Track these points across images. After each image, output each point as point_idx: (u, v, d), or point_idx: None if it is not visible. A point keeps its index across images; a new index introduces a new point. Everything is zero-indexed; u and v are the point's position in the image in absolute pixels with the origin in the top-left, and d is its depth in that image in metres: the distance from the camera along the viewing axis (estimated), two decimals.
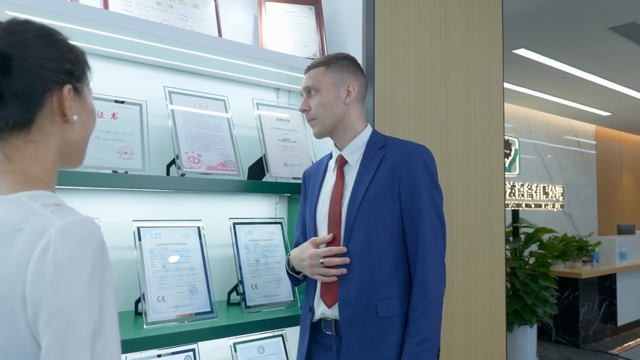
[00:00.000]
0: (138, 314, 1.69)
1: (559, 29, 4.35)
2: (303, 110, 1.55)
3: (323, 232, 1.50)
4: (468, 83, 2.28)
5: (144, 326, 1.54)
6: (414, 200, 1.41)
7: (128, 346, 1.46)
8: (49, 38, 0.83)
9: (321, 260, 1.45)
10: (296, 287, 1.91)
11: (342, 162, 1.53)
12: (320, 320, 1.49)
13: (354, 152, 1.52)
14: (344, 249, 1.44)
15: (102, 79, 1.70)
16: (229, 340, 1.85)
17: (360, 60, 1.93)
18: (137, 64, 1.81)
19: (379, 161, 1.46)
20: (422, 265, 1.38)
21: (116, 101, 1.60)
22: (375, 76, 1.93)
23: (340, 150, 1.55)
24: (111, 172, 1.55)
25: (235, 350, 1.87)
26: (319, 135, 1.55)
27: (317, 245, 1.49)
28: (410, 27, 2.06)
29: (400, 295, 1.40)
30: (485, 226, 2.31)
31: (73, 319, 0.70)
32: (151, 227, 1.68)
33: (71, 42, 0.87)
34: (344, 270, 1.43)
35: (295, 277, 1.61)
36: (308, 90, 1.53)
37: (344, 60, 1.54)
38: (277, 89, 2.20)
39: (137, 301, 1.69)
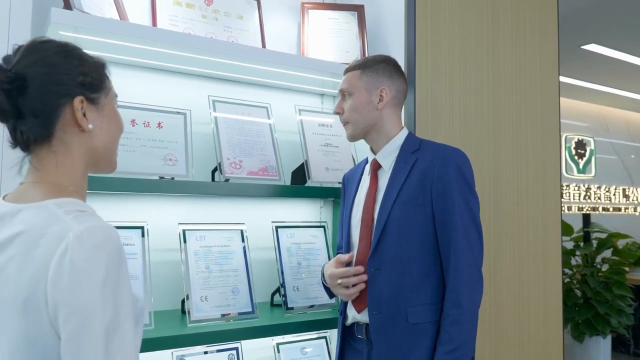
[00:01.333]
0: (184, 312, 1.77)
1: (631, 21, 4.09)
2: (336, 113, 1.56)
3: (356, 236, 1.51)
4: (519, 83, 2.20)
5: (188, 324, 1.62)
6: (446, 205, 1.38)
7: (172, 342, 1.55)
8: (63, 54, 0.89)
9: (338, 281, 1.46)
10: None
11: (375, 166, 1.53)
12: (353, 324, 1.51)
13: (388, 156, 1.51)
14: (361, 269, 1.44)
15: (149, 90, 1.82)
16: (272, 341, 1.90)
17: (401, 64, 1.92)
18: (183, 74, 1.91)
19: (411, 165, 1.44)
20: (455, 271, 1.36)
21: (161, 111, 1.70)
22: (417, 79, 1.91)
23: (375, 154, 1.55)
24: (157, 177, 1.64)
25: (279, 351, 1.91)
26: (351, 138, 1.56)
27: (341, 264, 1.50)
28: (454, 29, 2.03)
29: (431, 302, 1.38)
30: (539, 231, 2.22)
31: (87, 318, 0.76)
32: (196, 230, 1.76)
33: (89, 54, 0.93)
34: (361, 286, 1.44)
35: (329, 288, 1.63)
36: (342, 93, 1.54)
37: (381, 64, 1.53)
38: (322, 95, 2.23)
39: (184, 300, 1.78)
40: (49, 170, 0.89)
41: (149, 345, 1.51)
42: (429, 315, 1.37)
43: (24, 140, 0.88)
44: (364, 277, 1.43)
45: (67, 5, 1.43)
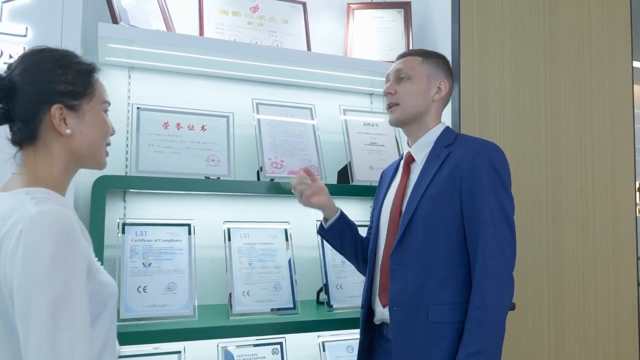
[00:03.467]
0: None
1: None
2: (388, 93, 1.50)
3: (384, 231, 1.49)
4: (582, 72, 2.06)
5: (229, 317, 1.70)
6: (475, 201, 1.32)
7: (214, 333, 1.64)
8: (48, 63, 0.97)
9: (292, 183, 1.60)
10: None
11: (409, 160, 1.50)
12: (382, 323, 1.48)
13: (422, 150, 1.48)
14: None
15: (194, 95, 1.93)
16: (318, 338, 1.93)
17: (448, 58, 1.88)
18: (228, 79, 2.00)
19: (443, 158, 1.40)
20: (481, 271, 1.29)
21: (205, 114, 1.80)
22: (462, 72, 1.85)
23: (410, 147, 1.52)
24: (203, 177, 1.74)
25: (324, 349, 1.94)
26: (396, 122, 1.51)
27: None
28: (504, 18, 1.94)
29: (455, 301, 1.33)
30: (609, 238, 2.05)
31: (34, 292, 0.82)
32: (240, 227, 1.84)
33: (79, 61, 1.01)
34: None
35: (325, 230, 1.65)
36: (398, 75, 1.49)
37: (440, 59, 1.52)
38: (371, 94, 2.23)
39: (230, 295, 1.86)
40: (29, 166, 0.98)
41: (192, 334, 1.60)
42: (451, 315, 1.32)
43: (15, 140, 1.00)
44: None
45: (114, 20, 1.56)
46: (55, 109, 0.97)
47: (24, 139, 0.98)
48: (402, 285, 1.37)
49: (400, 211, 1.44)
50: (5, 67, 1.30)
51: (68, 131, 0.98)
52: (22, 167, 0.99)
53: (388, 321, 1.43)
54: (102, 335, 0.96)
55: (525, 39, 1.97)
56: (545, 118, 1.98)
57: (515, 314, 1.85)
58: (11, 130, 1.00)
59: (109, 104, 1.08)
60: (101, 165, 1.07)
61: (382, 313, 1.46)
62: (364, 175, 1.96)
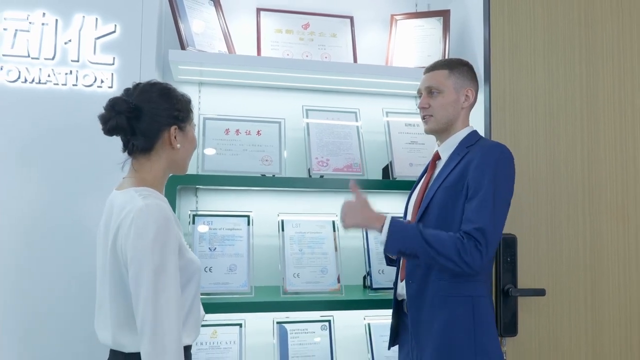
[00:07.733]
0: None
1: None
2: (422, 108, 1.69)
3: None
4: (623, 69, 2.09)
5: (281, 295, 1.97)
6: (475, 188, 1.48)
7: (268, 307, 1.92)
8: (165, 95, 1.32)
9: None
10: None
11: (436, 157, 1.70)
12: (402, 300, 1.68)
13: (448, 149, 1.66)
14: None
15: (251, 105, 2.23)
16: (364, 320, 2.15)
17: (480, 61, 2.02)
18: (281, 89, 2.29)
19: (461, 157, 1.58)
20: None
21: (260, 121, 2.11)
22: (492, 73, 1.97)
23: (439, 147, 1.70)
24: (260, 175, 2.03)
25: (369, 328, 2.15)
26: (431, 131, 1.70)
27: None
28: (536, 16, 2.02)
29: (457, 280, 1.50)
30: None
31: (142, 262, 1.15)
32: (292, 219, 2.11)
33: (181, 93, 1.35)
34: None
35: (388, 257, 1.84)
36: (429, 90, 1.66)
37: (464, 67, 1.69)
38: (415, 97, 2.41)
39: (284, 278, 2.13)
40: (143, 171, 1.32)
41: (249, 307, 1.90)
42: (453, 290, 1.50)
43: (132, 149, 1.33)
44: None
45: (182, 46, 1.90)
46: (173, 129, 1.31)
47: (143, 149, 1.31)
48: (416, 263, 1.57)
49: (422, 200, 1.63)
50: (98, 90, 1.71)
51: (178, 145, 1.33)
52: (133, 171, 1.33)
53: (405, 297, 1.63)
54: (189, 301, 1.28)
55: (558, 38, 2.04)
56: (582, 113, 2.04)
57: (549, 303, 1.95)
58: (128, 142, 1.32)
59: (196, 125, 1.42)
60: (185, 171, 1.41)
61: (402, 287, 1.66)
62: (404, 171, 2.15)
